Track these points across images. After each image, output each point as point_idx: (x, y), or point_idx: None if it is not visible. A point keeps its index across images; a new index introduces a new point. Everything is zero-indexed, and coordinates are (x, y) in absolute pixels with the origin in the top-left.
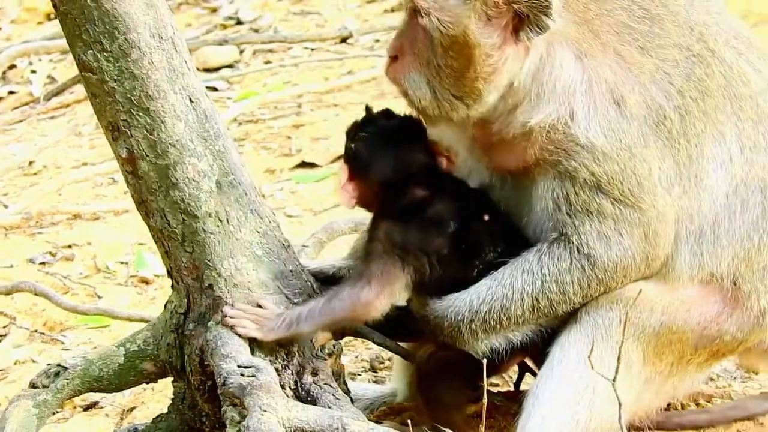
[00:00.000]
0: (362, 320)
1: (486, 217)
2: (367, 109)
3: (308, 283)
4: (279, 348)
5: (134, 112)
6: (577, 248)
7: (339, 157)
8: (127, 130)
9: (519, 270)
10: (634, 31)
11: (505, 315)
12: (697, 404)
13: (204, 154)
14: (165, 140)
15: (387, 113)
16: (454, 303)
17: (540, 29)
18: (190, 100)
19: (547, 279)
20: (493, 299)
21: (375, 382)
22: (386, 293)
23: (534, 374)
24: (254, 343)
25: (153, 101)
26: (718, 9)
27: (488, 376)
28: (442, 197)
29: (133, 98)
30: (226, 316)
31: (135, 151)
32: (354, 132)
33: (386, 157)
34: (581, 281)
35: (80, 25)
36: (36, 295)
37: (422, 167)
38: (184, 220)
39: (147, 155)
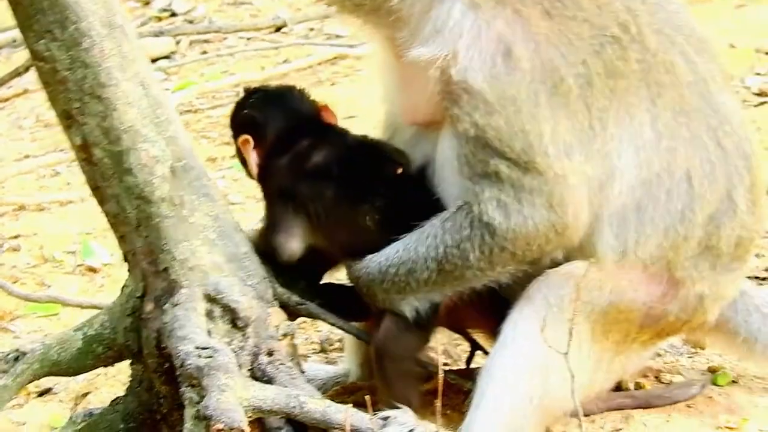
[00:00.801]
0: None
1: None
2: (246, 89)
3: (261, 265)
4: (235, 330)
5: (87, 100)
6: (478, 217)
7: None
8: (80, 117)
9: (424, 234)
10: (547, 2)
11: (412, 278)
12: (641, 382)
13: (157, 139)
14: (118, 127)
15: (265, 87)
16: (367, 264)
17: None
18: (142, 86)
19: (448, 245)
20: (399, 262)
21: (326, 363)
22: (291, 237)
23: (485, 352)
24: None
25: (105, 89)
26: (669, 1)
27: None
28: (324, 146)
29: (85, 86)
30: None
31: (89, 138)
32: (242, 104)
33: (277, 112)
34: (482, 248)
35: (31, 15)
36: None
37: (307, 121)
38: (138, 205)
39: (101, 142)
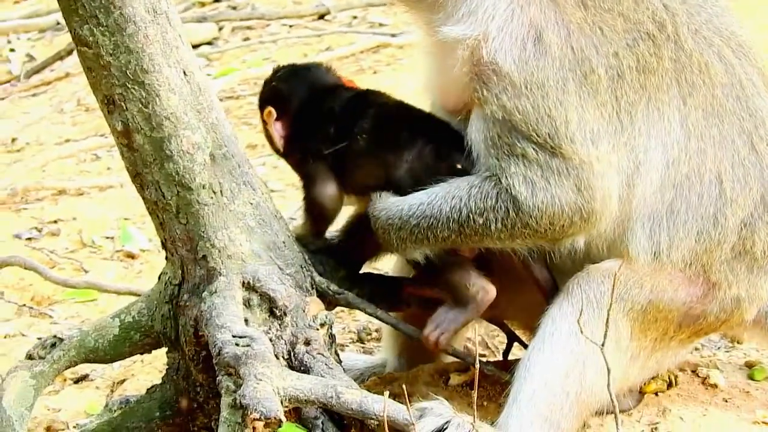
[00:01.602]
0: (331, 212)
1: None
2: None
3: (300, 254)
4: (272, 318)
5: (129, 86)
6: (505, 189)
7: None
8: (122, 103)
9: (450, 195)
10: None
11: (431, 232)
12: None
13: (198, 126)
14: (160, 113)
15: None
16: (388, 206)
17: None
18: (184, 74)
19: (472, 211)
20: (422, 215)
21: (363, 352)
22: (327, 184)
23: (522, 344)
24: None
25: (148, 75)
26: (713, 3)
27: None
28: (347, 106)
29: (128, 72)
30: None
31: (130, 124)
32: (268, 80)
33: (299, 83)
34: (505, 221)
35: (76, 0)
36: (26, 269)
37: (330, 89)
38: (178, 192)
39: (142, 128)
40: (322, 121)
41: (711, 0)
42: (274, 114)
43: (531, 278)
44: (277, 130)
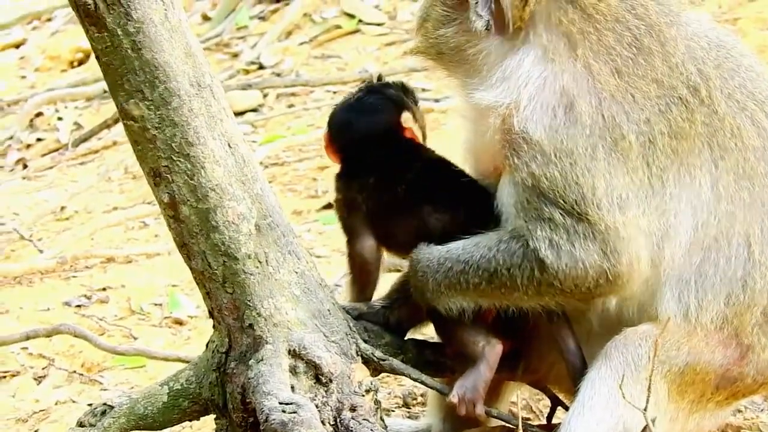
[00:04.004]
0: (370, 266)
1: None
2: (379, 76)
3: (345, 321)
4: (318, 385)
5: (175, 158)
6: (532, 250)
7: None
8: (168, 175)
9: (483, 245)
10: (615, 54)
11: (463, 278)
12: None
13: (243, 197)
14: (205, 185)
15: (384, 84)
16: (431, 251)
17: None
18: (229, 146)
19: (500, 264)
20: (456, 259)
21: (409, 417)
22: (365, 239)
23: (565, 408)
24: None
25: (193, 147)
26: (748, 65)
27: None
28: (397, 157)
29: (173, 145)
30: None
31: (176, 195)
32: (344, 100)
33: (349, 124)
34: (531, 279)
35: (122, 75)
36: (75, 336)
37: (384, 133)
38: (224, 262)
39: (188, 200)
40: (365, 169)
41: (746, 65)
42: (327, 136)
43: (558, 349)
44: (328, 152)
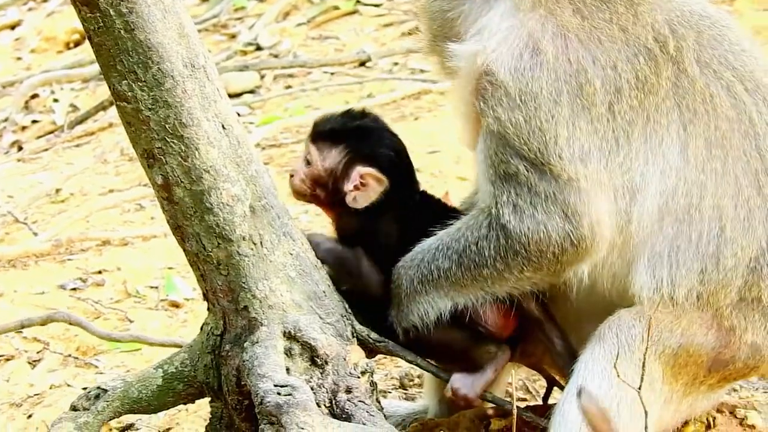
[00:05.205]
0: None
1: None
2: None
3: (340, 303)
4: (314, 367)
5: (169, 140)
6: (496, 219)
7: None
8: (162, 157)
9: (453, 228)
10: (580, 2)
11: (434, 266)
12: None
13: (237, 179)
14: (199, 166)
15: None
16: (408, 254)
17: None
18: (223, 127)
19: (468, 240)
20: (428, 248)
21: (405, 399)
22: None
23: (562, 388)
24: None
25: (187, 128)
26: (734, 40)
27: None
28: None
29: (167, 126)
30: None
31: (170, 177)
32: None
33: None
34: (497, 249)
35: (115, 56)
36: (71, 324)
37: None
38: (219, 243)
39: (182, 181)
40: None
41: (731, 39)
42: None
43: (546, 348)
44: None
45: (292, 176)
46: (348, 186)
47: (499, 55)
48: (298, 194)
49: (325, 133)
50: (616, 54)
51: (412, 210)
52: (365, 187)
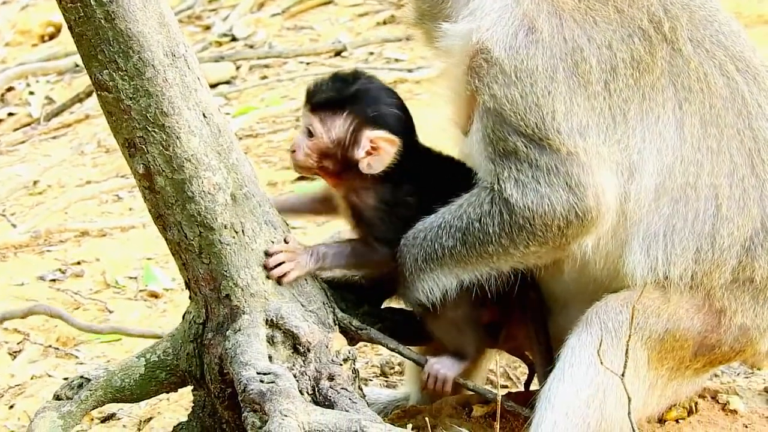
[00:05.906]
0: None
1: None
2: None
3: (322, 290)
4: (296, 355)
5: (150, 129)
6: (498, 194)
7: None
8: (143, 146)
9: (455, 206)
10: None
11: (438, 244)
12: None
13: (218, 167)
14: (180, 155)
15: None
16: (410, 231)
17: None
18: (204, 116)
19: (471, 217)
20: (431, 226)
21: (386, 386)
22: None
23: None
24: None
25: (168, 118)
26: (723, 20)
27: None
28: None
29: (148, 115)
30: (270, 270)
31: (151, 166)
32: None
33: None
34: (501, 225)
35: (95, 46)
36: (51, 317)
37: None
38: (200, 232)
39: (163, 170)
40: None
41: (721, 20)
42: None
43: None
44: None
45: (294, 152)
46: (359, 153)
47: (494, 33)
48: (303, 169)
49: (324, 101)
50: (611, 34)
51: (426, 168)
52: (377, 150)
